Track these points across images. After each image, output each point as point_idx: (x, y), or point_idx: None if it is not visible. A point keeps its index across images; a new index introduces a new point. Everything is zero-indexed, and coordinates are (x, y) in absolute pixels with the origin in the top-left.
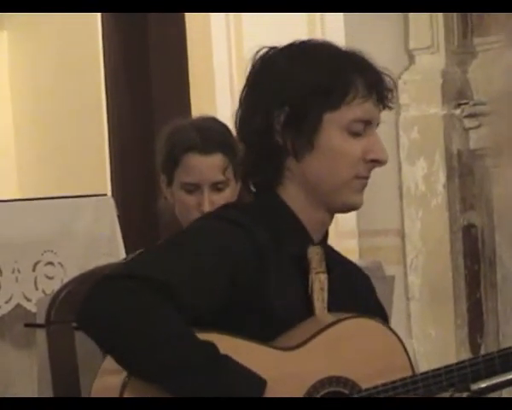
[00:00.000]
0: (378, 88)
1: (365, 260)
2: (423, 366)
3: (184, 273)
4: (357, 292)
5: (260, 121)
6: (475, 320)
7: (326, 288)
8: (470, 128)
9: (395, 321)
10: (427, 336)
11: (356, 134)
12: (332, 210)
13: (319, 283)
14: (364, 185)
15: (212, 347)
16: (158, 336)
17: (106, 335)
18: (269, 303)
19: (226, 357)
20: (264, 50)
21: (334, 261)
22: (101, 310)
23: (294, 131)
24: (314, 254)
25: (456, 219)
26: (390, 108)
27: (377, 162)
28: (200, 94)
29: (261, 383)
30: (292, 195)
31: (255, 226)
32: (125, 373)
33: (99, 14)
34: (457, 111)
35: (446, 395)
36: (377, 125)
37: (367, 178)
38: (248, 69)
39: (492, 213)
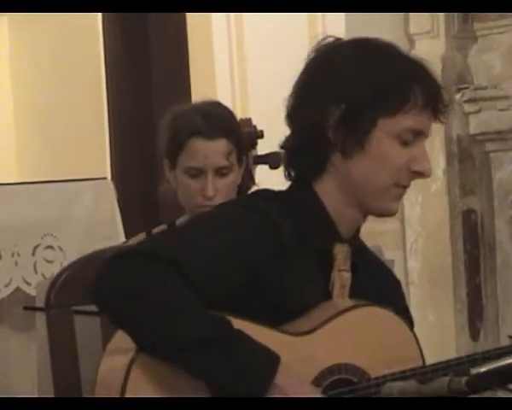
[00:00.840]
0: (434, 100)
1: None
2: (423, 351)
3: (198, 253)
4: (384, 294)
5: (315, 113)
6: (475, 305)
7: (348, 286)
8: (470, 113)
9: None
10: (426, 321)
11: (405, 143)
12: (366, 212)
13: (341, 280)
14: (402, 194)
15: (226, 321)
16: (173, 311)
17: (121, 313)
18: (282, 295)
19: (240, 331)
20: (330, 40)
21: (364, 261)
22: (114, 288)
23: (348, 129)
24: (339, 251)
25: (456, 204)
26: (442, 123)
27: (420, 174)
28: (202, 90)
29: (275, 358)
30: (328, 190)
31: (282, 218)
32: (132, 352)
33: None
34: (457, 96)
35: (446, 379)
36: (427, 137)
37: (406, 187)
38: (311, 55)
39: (492, 198)
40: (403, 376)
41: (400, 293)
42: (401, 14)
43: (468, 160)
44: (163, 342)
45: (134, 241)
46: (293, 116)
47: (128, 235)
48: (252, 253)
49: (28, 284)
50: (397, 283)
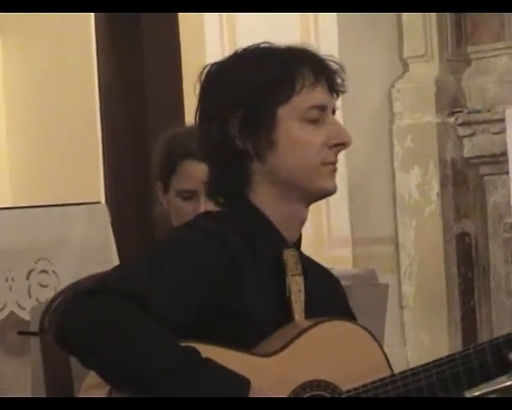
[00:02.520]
0: (325, 73)
1: (359, 268)
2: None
3: (159, 285)
4: (331, 295)
5: (217, 132)
6: (469, 328)
7: (303, 290)
8: (464, 136)
9: (389, 329)
10: (420, 344)
11: (314, 121)
12: (308, 200)
13: (296, 285)
14: (335, 170)
15: (193, 351)
16: (137, 346)
17: (86, 353)
18: (245, 311)
19: (208, 360)
20: (208, 66)
21: (308, 264)
22: (78, 328)
23: (252, 132)
24: (289, 256)
25: (450, 228)
26: (343, 93)
27: (342, 145)
28: (194, 99)
29: (245, 382)
30: (263, 198)
31: (230, 234)
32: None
33: (92, 17)
34: (451, 119)
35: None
36: (334, 111)
37: (334, 163)
38: (197, 88)
39: (486, 222)
40: (374, 386)
41: (342, 291)
42: (395, 38)
43: (463, 183)
44: (130, 377)
45: None
46: (202, 146)
47: (122, 258)
48: (211, 275)
49: (22, 308)
50: (338, 282)
